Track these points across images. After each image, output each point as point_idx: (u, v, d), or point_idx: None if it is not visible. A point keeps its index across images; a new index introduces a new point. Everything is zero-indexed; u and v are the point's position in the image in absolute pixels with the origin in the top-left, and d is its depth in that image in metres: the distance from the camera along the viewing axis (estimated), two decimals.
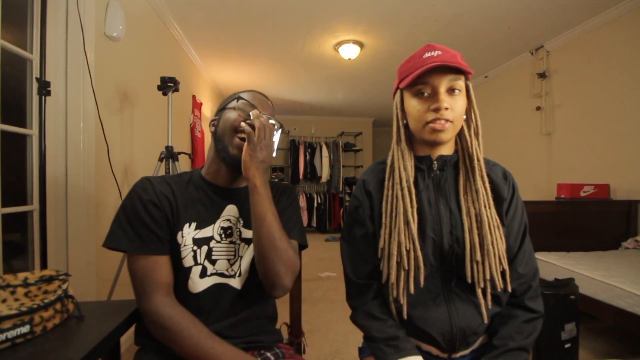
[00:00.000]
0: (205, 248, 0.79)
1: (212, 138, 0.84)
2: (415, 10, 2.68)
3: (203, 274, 0.78)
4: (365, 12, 2.72)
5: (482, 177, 0.75)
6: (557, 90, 3.24)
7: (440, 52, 0.73)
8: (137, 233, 0.73)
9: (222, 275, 0.80)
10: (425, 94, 0.74)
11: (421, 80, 0.73)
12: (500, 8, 2.63)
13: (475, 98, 0.77)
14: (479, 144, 0.77)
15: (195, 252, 0.78)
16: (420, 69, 0.71)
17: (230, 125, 0.80)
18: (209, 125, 0.85)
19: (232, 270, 0.80)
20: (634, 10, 2.51)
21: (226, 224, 0.82)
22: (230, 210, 0.83)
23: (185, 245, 0.77)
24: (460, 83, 0.73)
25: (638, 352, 1.86)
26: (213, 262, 0.79)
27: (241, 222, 0.83)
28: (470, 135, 0.77)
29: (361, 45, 3.33)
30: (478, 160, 0.76)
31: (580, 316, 1.58)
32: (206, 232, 0.80)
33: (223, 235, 0.81)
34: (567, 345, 1.53)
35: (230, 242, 0.81)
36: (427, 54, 0.73)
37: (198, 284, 0.77)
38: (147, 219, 0.74)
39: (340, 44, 3.30)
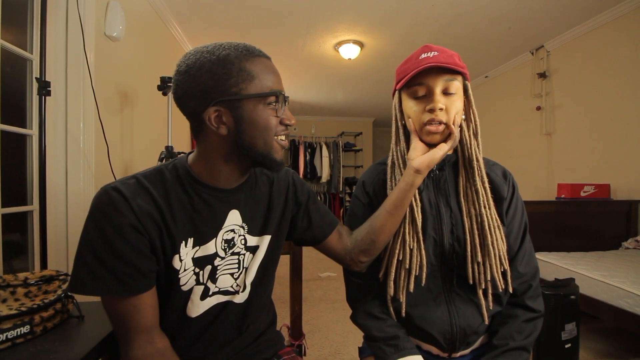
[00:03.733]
0: (208, 268, 0.66)
1: (222, 139, 0.63)
2: (415, 10, 2.68)
3: (205, 294, 0.67)
4: (365, 12, 2.72)
5: (481, 177, 0.75)
6: (557, 90, 3.24)
7: (436, 53, 0.72)
8: (111, 272, 0.56)
9: (225, 292, 0.69)
10: (421, 95, 0.73)
11: (417, 81, 0.73)
12: (500, 8, 2.63)
13: (475, 98, 0.77)
14: (478, 145, 0.76)
15: (198, 274, 0.65)
16: (415, 70, 0.71)
17: (270, 130, 0.64)
18: (209, 119, 0.61)
19: (237, 285, 0.71)
20: (634, 10, 2.51)
21: (229, 236, 0.69)
22: (234, 218, 0.70)
23: (185, 270, 0.64)
24: (457, 83, 0.73)
25: (638, 352, 1.86)
26: (215, 281, 0.68)
27: (245, 228, 0.71)
28: (469, 136, 0.76)
29: (361, 45, 3.33)
30: (477, 161, 0.75)
31: (580, 316, 1.58)
32: (208, 248, 0.66)
33: (227, 249, 0.68)
34: (567, 345, 1.53)
35: (233, 254, 0.69)
36: (424, 55, 0.73)
37: (199, 306, 0.67)
38: (126, 252, 0.56)
39: (340, 44, 3.30)
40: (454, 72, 0.72)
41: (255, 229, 0.73)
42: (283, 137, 0.67)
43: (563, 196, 2.64)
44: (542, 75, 3.31)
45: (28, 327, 0.65)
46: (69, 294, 0.77)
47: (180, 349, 0.66)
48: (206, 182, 0.66)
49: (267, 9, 2.68)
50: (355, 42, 3.27)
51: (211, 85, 0.60)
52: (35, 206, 1.46)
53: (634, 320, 1.48)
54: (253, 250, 0.72)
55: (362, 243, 0.77)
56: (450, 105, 0.72)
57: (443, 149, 0.72)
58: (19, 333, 0.63)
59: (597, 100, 2.83)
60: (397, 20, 2.86)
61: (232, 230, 0.69)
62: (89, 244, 0.56)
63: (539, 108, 3.38)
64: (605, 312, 1.62)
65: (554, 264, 1.99)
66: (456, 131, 0.73)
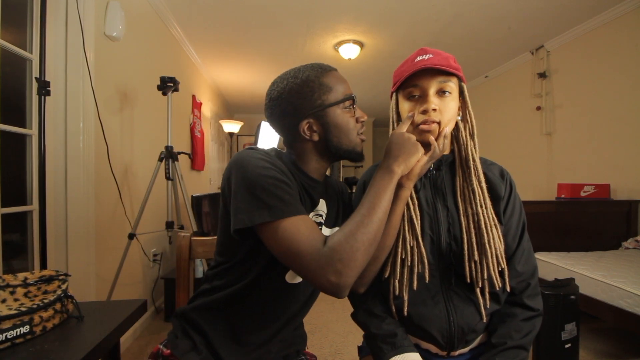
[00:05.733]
0: None
1: (315, 144, 0.77)
2: (415, 10, 2.68)
3: None
4: (365, 12, 2.72)
5: (477, 177, 0.76)
6: (557, 90, 3.24)
7: (431, 56, 0.74)
8: (292, 197, 0.64)
9: None
10: (416, 96, 0.75)
11: (412, 83, 0.75)
12: (500, 8, 2.63)
13: (475, 98, 0.77)
14: (474, 145, 0.77)
15: None
16: (409, 71, 0.73)
17: (352, 130, 0.76)
18: (303, 131, 0.74)
19: None
20: (634, 10, 2.51)
21: (318, 219, 0.78)
22: (322, 205, 0.80)
23: None
24: (451, 85, 0.74)
25: (638, 352, 1.86)
26: None
27: (324, 218, 0.80)
28: (465, 136, 0.78)
29: (361, 45, 3.33)
30: (474, 161, 0.76)
31: (580, 316, 1.58)
32: None
33: None
34: (567, 345, 1.53)
35: None
36: (419, 58, 0.75)
37: (295, 276, 0.75)
38: (291, 190, 0.66)
39: (340, 43, 3.30)
40: (448, 73, 0.73)
41: (330, 221, 0.81)
42: (361, 133, 0.79)
43: (563, 196, 2.64)
44: (542, 75, 3.31)
45: (27, 327, 0.65)
46: (69, 293, 0.77)
47: (262, 318, 0.75)
48: (304, 170, 0.78)
49: (267, 9, 2.68)
50: (355, 42, 3.27)
51: (301, 103, 0.73)
52: (35, 206, 1.46)
53: (634, 320, 1.48)
54: None
55: None
56: (443, 106, 0.73)
57: (422, 161, 0.72)
58: (18, 333, 0.63)
59: (597, 100, 2.83)
60: (397, 20, 2.86)
61: (321, 215, 0.79)
62: (264, 180, 0.63)
63: (539, 108, 3.38)
64: (605, 312, 1.62)
65: (554, 264, 1.99)
66: (440, 143, 0.73)
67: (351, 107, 0.77)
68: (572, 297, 1.54)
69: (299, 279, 0.76)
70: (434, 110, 0.72)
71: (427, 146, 0.74)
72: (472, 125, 0.78)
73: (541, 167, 3.43)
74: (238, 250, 0.72)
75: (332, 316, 2.42)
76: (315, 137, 0.75)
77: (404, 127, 0.73)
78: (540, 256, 2.13)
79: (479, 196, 0.75)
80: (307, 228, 0.61)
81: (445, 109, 0.73)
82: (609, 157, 2.72)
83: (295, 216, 0.62)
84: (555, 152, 3.27)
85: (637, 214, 2.46)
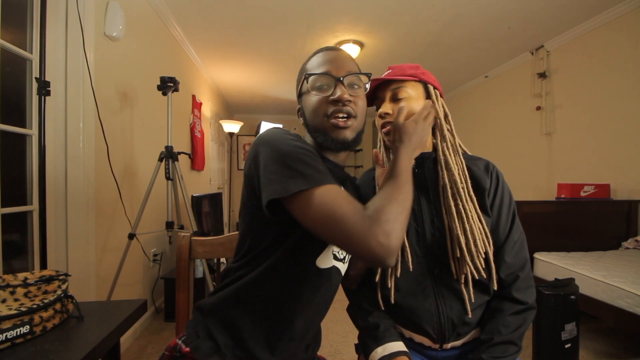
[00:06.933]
0: None
1: (305, 128, 0.77)
2: (415, 10, 2.68)
3: (330, 250, 0.73)
4: (365, 12, 2.72)
5: (449, 171, 0.79)
6: (557, 90, 3.24)
7: (390, 71, 0.84)
8: (325, 169, 0.62)
9: (335, 257, 0.75)
10: (379, 106, 0.85)
11: (375, 96, 0.86)
12: (500, 8, 2.63)
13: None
14: (446, 142, 0.83)
15: None
16: (370, 88, 0.82)
17: (315, 112, 0.71)
18: (299, 116, 0.78)
19: (342, 253, 0.77)
20: (634, 10, 2.51)
21: None
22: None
23: None
24: (407, 90, 0.81)
25: (638, 352, 1.86)
26: None
27: None
28: (440, 135, 0.84)
29: (361, 45, 3.33)
30: (444, 156, 0.81)
31: (580, 316, 1.58)
32: None
33: None
34: (567, 345, 1.53)
35: None
36: (383, 75, 0.84)
37: (326, 261, 0.72)
38: (322, 165, 0.63)
39: (340, 43, 3.30)
40: (400, 81, 0.82)
41: None
42: (339, 116, 0.70)
43: (563, 196, 2.64)
44: (542, 75, 3.31)
45: (27, 327, 0.65)
46: (69, 293, 0.77)
47: (294, 311, 0.70)
48: (324, 156, 0.75)
49: (267, 9, 2.68)
50: (355, 42, 3.27)
51: (297, 89, 0.78)
52: (35, 206, 1.46)
53: (634, 320, 1.48)
54: None
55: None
56: (397, 110, 0.80)
57: None
58: (18, 333, 0.63)
59: (597, 100, 2.83)
60: (397, 20, 2.86)
61: None
62: (296, 150, 0.61)
63: (539, 108, 3.38)
64: (605, 312, 1.62)
65: (554, 264, 1.99)
66: None
67: (326, 87, 0.71)
68: (572, 297, 1.54)
69: (330, 264, 0.73)
70: (388, 114, 0.81)
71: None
72: (442, 125, 0.84)
73: (541, 167, 3.43)
74: (266, 235, 0.69)
75: (332, 316, 2.42)
76: (302, 121, 0.77)
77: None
78: (540, 256, 2.13)
79: (453, 189, 0.78)
80: (345, 195, 0.58)
81: (400, 112, 0.79)
82: (609, 157, 2.72)
83: (331, 184, 0.58)
84: (555, 152, 3.27)
85: (637, 214, 2.46)
